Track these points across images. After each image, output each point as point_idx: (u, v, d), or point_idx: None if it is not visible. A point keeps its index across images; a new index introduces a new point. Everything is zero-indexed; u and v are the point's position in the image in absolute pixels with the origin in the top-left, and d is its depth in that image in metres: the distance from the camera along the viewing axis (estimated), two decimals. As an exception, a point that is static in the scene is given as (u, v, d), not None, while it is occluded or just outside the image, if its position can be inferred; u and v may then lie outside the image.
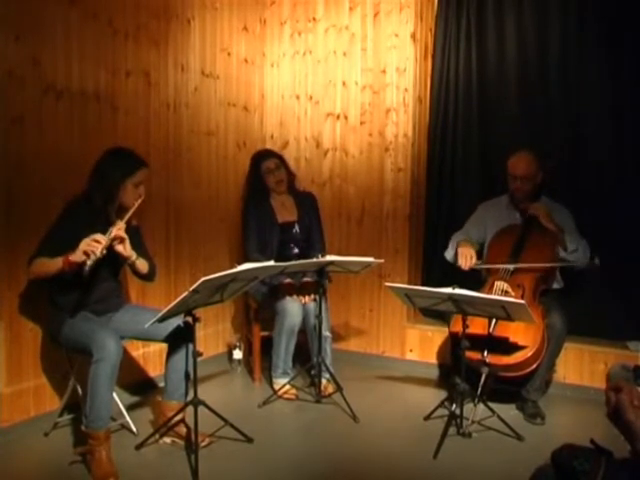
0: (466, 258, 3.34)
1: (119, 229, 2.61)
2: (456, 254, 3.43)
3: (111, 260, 2.73)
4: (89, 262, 2.47)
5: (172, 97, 3.73)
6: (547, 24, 3.78)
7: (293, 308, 3.52)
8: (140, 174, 2.77)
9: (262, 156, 3.89)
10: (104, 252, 2.52)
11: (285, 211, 3.85)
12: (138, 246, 2.85)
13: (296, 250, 3.79)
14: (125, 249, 2.67)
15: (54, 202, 2.85)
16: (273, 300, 3.61)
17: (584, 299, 3.63)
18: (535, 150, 3.54)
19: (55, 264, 2.54)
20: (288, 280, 3.62)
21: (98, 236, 2.52)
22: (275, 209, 3.82)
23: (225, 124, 4.19)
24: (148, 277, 2.93)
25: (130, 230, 2.75)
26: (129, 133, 3.44)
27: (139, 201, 2.73)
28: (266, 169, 3.79)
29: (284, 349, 3.57)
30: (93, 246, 2.48)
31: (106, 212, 2.75)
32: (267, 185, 3.81)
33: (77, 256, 2.48)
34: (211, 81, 4.05)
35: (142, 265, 2.83)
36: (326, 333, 3.57)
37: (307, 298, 3.62)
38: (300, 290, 3.63)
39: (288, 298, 3.57)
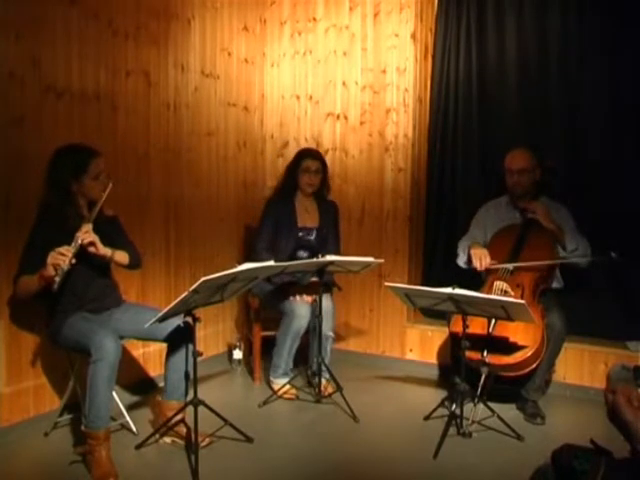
0: (481, 259, 3.32)
1: (85, 232, 2.58)
2: (469, 257, 3.42)
3: (96, 258, 2.72)
4: (57, 278, 2.46)
5: (172, 97, 3.73)
6: (547, 24, 3.78)
7: (302, 310, 3.50)
8: (94, 166, 2.71)
9: (308, 154, 3.75)
10: (73, 262, 2.51)
11: (307, 215, 3.76)
12: (117, 236, 2.84)
13: (305, 254, 3.70)
14: (97, 249, 2.64)
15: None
16: (278, 300, 3.60)
17: (584, 299, 3.64)
18: (535, 150, 3.55)
19: (34, 281, 2.54)
20: (295, 280, 3.60)
21: (63, 248, 2.50)
22: (297, 212, 3.74)
23: (225, 124, 4.19)
24: (131, 266, 2.91)
25: (106, 222, 2.75)
26: (129, 133, 3.44)
27: (107, 191, 2.67)
28: (305, 167, 3.68)
29: (287, 350, 3.55)
30: (59, 259, 2.47)
31: (67, 214, 2.68)
32: (298, 182, 3.72)
33: (49, 271, 2.47)
34: (211, 81, 4.05)
35: (121, 257, 2.81)
36: (329, 333, 3.57)
37: (314, 298, 3.59)
38: (307, 290, 3.61)
39: (297, 299, 3.55)
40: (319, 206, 3.81)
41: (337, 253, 3.73)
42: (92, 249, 2.63)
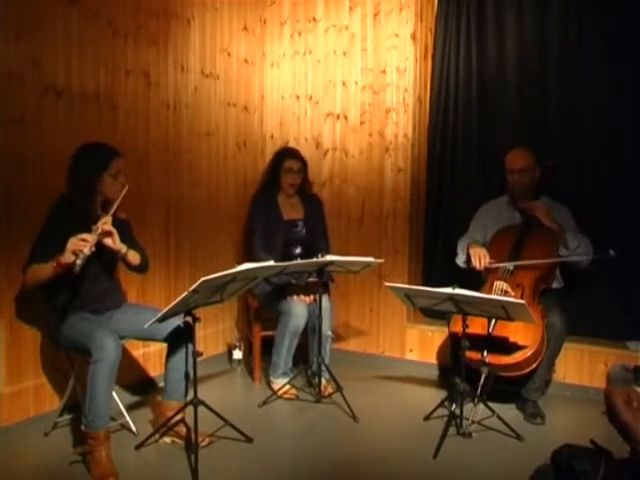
0: (479, 258, 3.33)
1: (105, 223, 2.60)
2: (468, 256, 3.42)
3: (104, 258, 2.74)
4: (79, 261, 2.47)
5: (172, 97, 3.73)
6: (547, 24, 3.78)
7: (299, 309, 3.51)
8: (115, 165, 2.74)
9: (289, 154, 3.81)
10: (93, 249, 2.52)
11: (291, 209, 3.81)
12: (128, 239, 2.85)
13: (298, 250, 3.76)
14: (114, 242, 2.66)
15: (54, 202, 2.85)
16: (276, 300, 3.61)
17: (584, 299, 3.63)
18: (535, 150, 3.55)
19: (47, 269, 2.54)
20: (293, 281, 3.61)
21: (85, 235, 2.51)
22: (281, 207, 3.78)
23: (225, 124, 4.19)
24: (140, 269, 2.92)
25: (118, 223, 2.75)
26: (129, 133, 3.44)
27: (123, 192, 2.70)
28: (287, 168, 3.73)
29: (286, 349, 3.56)
30: (80, 245, 2.48)
31: (87, 209, 2.72)
32: (280, 182, 3.77)
33: (66, 257, 2.47)
34: (211, 81, 4.05)
35: (133, 257, 2.82)
36: (328, 332, 3.57)
37: (312, 298, 3.60)
38: (306, 290, 3.62)
39: (295, 298, 3.57)
40: (302, 200, 3.86)
41: (326, 245, 3.81)
42: (109, 241, 2.64)
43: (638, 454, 1.33)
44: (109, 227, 2.62)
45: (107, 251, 2.69)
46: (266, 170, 3.92)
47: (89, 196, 2.72)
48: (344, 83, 4.27)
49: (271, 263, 2.98)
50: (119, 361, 2.59)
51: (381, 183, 4.17)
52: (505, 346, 3.08)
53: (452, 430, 2.94)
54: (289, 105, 4.48)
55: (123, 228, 2.84)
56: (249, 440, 2.91)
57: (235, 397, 3.64)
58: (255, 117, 4.49)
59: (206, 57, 3.99)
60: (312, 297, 3.60)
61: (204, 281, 2.41)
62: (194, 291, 2.42)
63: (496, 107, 3.97)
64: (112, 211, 2.67)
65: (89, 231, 2.56)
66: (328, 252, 3.63)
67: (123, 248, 2.73)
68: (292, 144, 4.41)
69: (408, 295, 2.98)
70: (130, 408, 3.20)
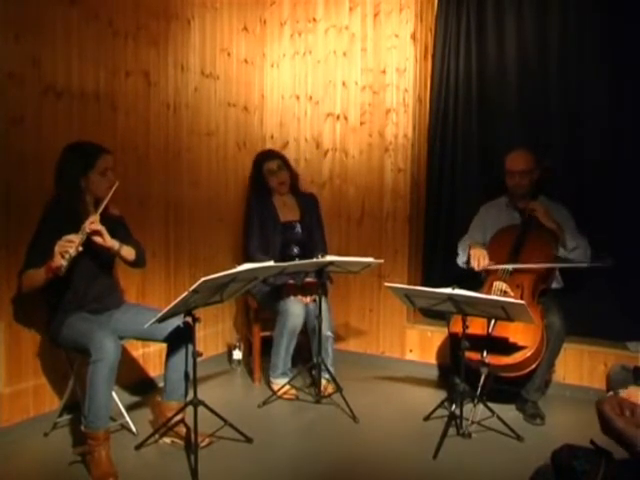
0: (479, 259, 3.34)
1: (92, 222, 2.59)
2: (468, 257, 3.42)
3: (100, 257, 2.74)
4: (64, 262, 2.46)
5: (172, 97, 3.73)
6: (547, 24, 3.78)
7: (295, 309, 3.52)
8: (102, 162, 2.73)
9: (264, 157, 3.87)
10: (80, 249, 2.51)
11: (288, 210, 3.83)
12: (123, 235, 2.85)
13: (296, 250, 3.78)
14: (104, 240, 2.65)
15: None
16: (274, 300, 3.61)
17: (584, 299, 3.63)
18: (534, 149, 3.55)
19: (40, 275, 2.54)
20: (291, 281, 3.62)
21: (70, 236, 2.51)
22: (278, 208, 3.81)
23: (225, 124, 4.19)
24: (137, 263, 2.91)
25: (111, 220, 2.76)
26: (129, 133, 3.44)
27: (113, 189, 2.68)
28: (268, 170, 3.79)
29: (284, 349, 3.56)
30: (66, 247, 2.47)
31: (77, 209, 2.71)
32: (270, 186, 3.81)
33: (56, 262, 2.47)
34: (211, 81, 4.05)
35: (128, 252, 2.81)
36: (328, 333, 3.57)
37: (309, 298, 3.61)
38: (303, 290, 3.62)
39: (291, 299, 3.57)
40: (297, 199, 3.88)
41: (323, 244, 3.83)
42: (99, 239, 2.63)
43: (638, 454, 1.33)
44: (96, 226, 2.60)
45: (101, 250, 2.69)
46: (251, 179, 3.94)
47: (77, 195, 2.72)
48: (344, 83, 4.27)
49: (271, 263, 2.98)
50: (119, 361, 2.59)
51: (381, 183, 4.17)
52: (505, 346, 3.08)
53: (452, 430, 2.94)
54: (289, 105, 4.48)
55: (117, 225, 2.85)
56: (249, 440, 2.91)
57: (235, 397, 3.64)
58: (255, 117, 4.49)
59: (206, 57, 3.99)
60: (310, 297, 3.60)
61: (204, 281, 2.41)
62: (194, 291, 2.42)
63: (496, 107, 3.97)
64: (101, 209, 2.66)
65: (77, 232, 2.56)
66: (325, 250, 3.65)
67: (115, 245, 2.71)
68: (292, 144, 4.42)
69: (408, 295, 2.98)
70: (130, 408, 3.20)
